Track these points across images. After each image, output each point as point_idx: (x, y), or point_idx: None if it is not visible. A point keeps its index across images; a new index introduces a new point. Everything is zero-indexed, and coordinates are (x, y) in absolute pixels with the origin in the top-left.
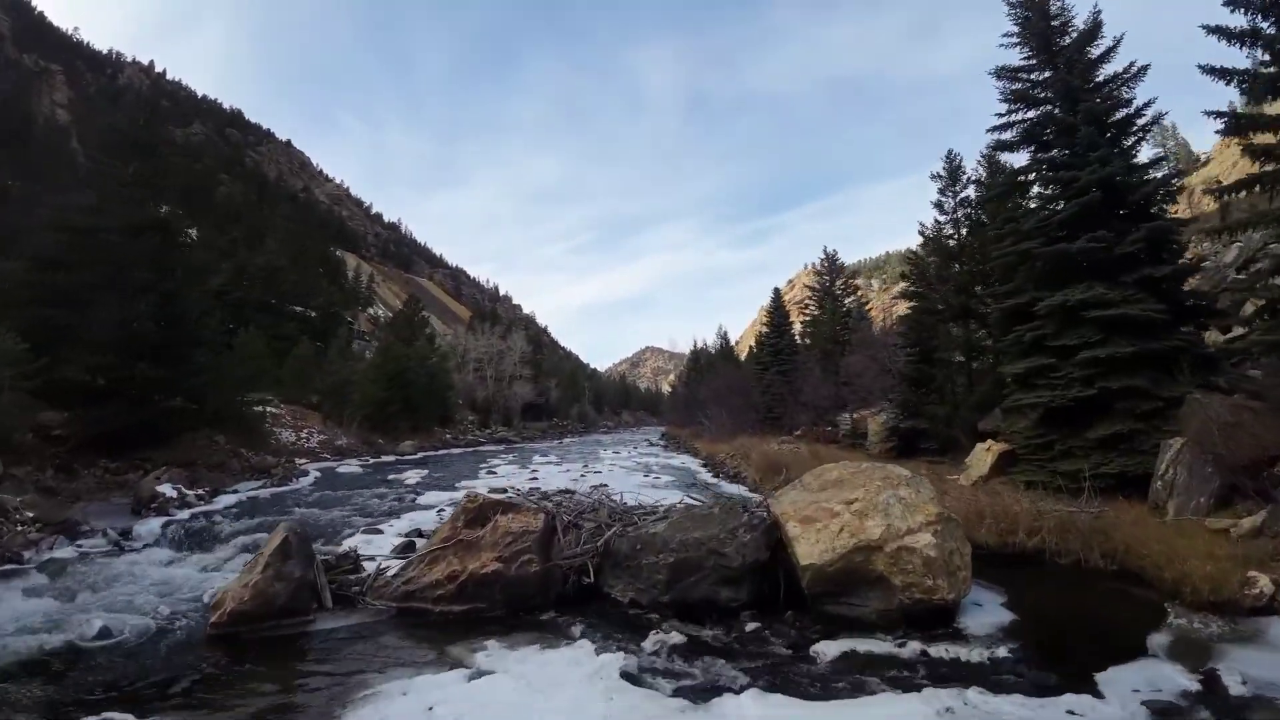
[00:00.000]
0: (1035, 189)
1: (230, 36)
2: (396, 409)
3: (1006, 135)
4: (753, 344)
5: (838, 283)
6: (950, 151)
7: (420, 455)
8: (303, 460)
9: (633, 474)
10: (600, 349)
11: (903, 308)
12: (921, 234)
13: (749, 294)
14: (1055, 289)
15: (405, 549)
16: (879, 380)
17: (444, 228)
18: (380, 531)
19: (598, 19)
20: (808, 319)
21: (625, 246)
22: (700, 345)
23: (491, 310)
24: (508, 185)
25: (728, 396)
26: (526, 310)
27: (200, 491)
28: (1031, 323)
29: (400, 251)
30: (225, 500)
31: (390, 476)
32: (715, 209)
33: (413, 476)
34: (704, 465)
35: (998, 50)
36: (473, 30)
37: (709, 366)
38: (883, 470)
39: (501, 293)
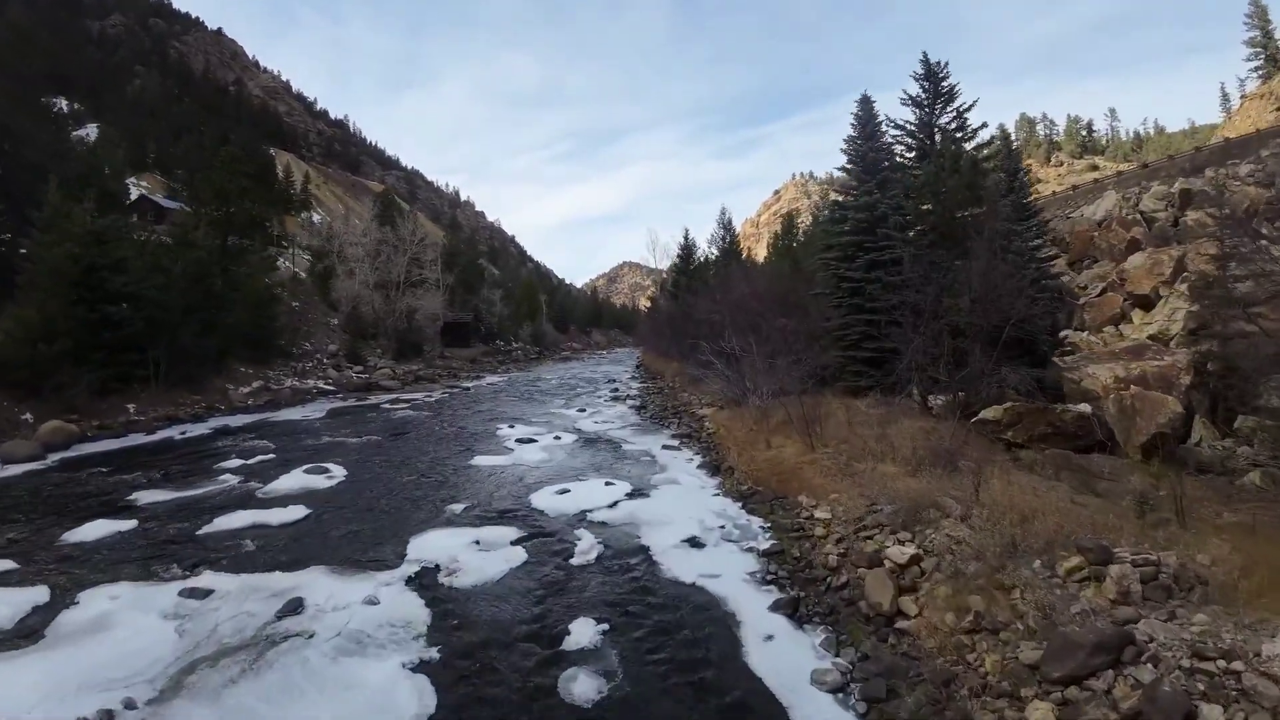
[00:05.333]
0: None
1: None
2: (64, 348)
3: None
4: (777, 232)
5: (944, 115)
6: None
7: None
8: None
9: None
10: (578, 265)
11: None
12: None
13: (734, 207)
14: None
15: None
16: None
17: (411, 134)
18: None
19: None
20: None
21: (606, 156)
22: (689, 240)
23: (447, 202)
24: (480, 89)
25: (759, 317)
26: (491, 219)
27: None
28: None
29: (347, 152)
30: None
31: None
32: (701, 118)
33: None
34: (770, 552)
35: None
36: None
37: (713, 267)
38: None
39: (463, 198)
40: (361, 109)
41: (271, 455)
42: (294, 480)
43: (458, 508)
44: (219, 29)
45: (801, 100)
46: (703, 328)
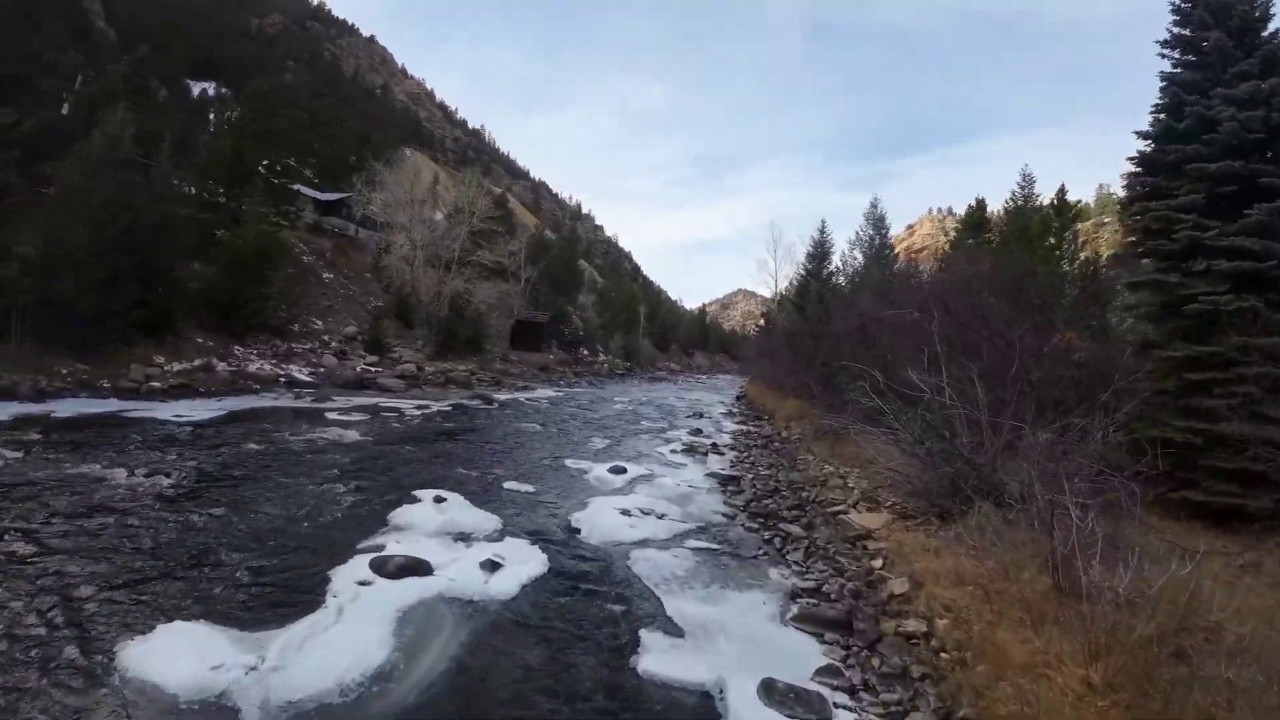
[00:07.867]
0: None
1: None
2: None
3: None
4: (963, 218)
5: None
6: None
7: None
8: None
9: None
10: (693, 288)
11: None
12: None
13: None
14: None
15: None
16: None
17: (540, 147)
18: None
19: None
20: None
21: (728, 182)
22: (825, 235)
23: (568, 214)
24: (609, 110)
25: (1000, 330)
26: (610, 234)
27: None
28: None
29: (480, 159)
30: None
31: None
32: (828, 149)
33: None
34: None
35: None
36: None
37: (859, 275)
38: None
39: (584, 211)
40: (497, 121)
41: None
42: None
43: None
44: (372, 36)
45: (937, 136)
46: (845, 345)
